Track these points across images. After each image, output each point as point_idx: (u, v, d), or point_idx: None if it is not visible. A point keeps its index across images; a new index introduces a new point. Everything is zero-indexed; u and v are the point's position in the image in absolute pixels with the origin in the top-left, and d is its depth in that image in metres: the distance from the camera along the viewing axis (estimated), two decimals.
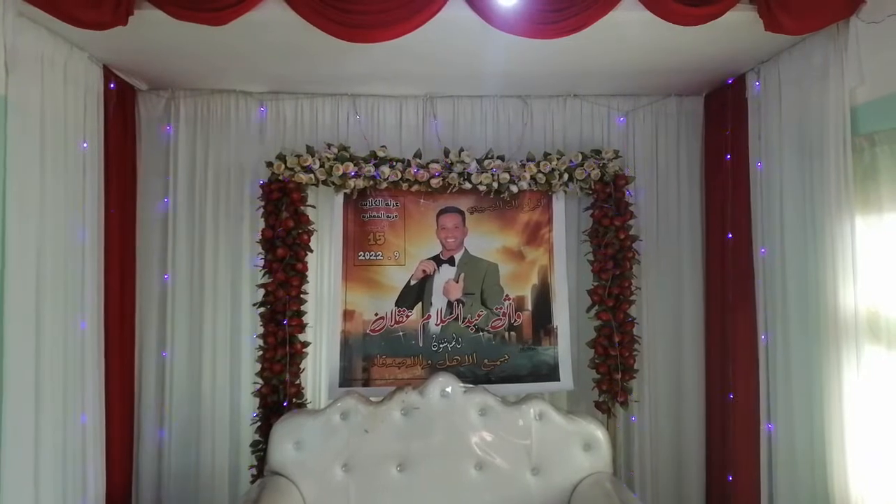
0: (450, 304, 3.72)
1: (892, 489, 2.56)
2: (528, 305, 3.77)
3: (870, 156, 2.66)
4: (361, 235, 3.71)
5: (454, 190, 3.66)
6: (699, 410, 3.91)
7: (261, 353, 3.51)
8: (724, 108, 3.65)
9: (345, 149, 3.62)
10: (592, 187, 3.72)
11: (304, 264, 3.55)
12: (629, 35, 2.95)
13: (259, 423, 3.49)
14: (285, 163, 3.51)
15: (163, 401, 3.74)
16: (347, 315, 3.66)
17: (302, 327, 3.55)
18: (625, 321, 3.66)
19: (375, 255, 3.71)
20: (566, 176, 3.70)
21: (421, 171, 3.59)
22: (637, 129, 3.97)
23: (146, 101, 3.79)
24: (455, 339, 3.70)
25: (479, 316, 3.73)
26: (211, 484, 3.70)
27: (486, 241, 3.77)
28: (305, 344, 3.57)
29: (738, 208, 3.50)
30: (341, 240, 3.69)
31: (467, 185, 3.64)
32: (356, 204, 3.71)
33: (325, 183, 3.60)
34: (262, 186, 3.56)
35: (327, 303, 3.79)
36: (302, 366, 3.56)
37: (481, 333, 3.72)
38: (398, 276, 3.71)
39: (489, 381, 3.61)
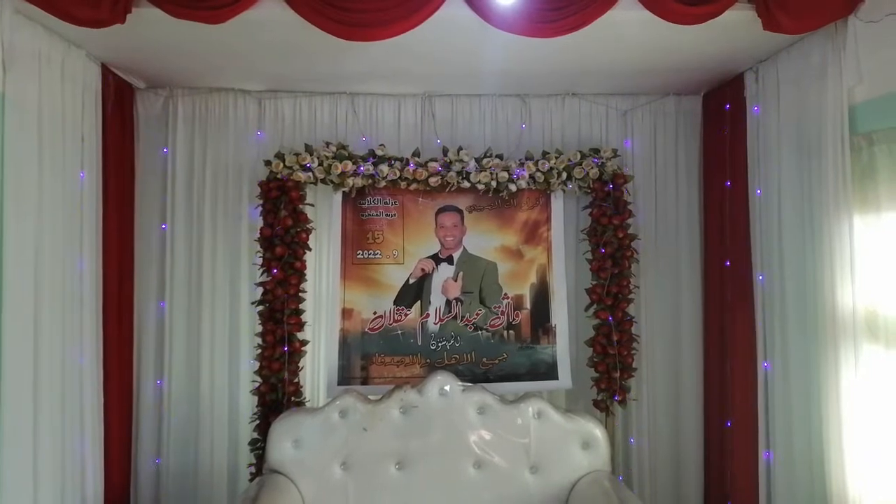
0: (448, 302, 3.72)
1: (889, 488, 2.56)
2: (527, 304, 3.77)
3: (868, 155, 2.66)
4: (360, 234, 3.70)
5: (453, 188, 3.66)
6: (697, 408, 3.91)
7: (259, 351, 3.51)
8: (722, 108, 3.65)
9: (343, 147, 3.62)
10: (591, 186, 3.72)
11: (303, 263, 3.54)
12: (628, 34, 2.95)
13: (258, 422, 3.49)
14: (284, 161, 3.50)
15: (161, 399, 3.74)
16: (346, 313, 3.66)
17: (300, 326, 3.54)
18: (623, 320, 3.66)
19: (374, 254, 3.71)
20: (565, 175, 3.70)
21: (419, 170, 3.59)
22: (636, 128, 3.97)
23: (144, 99, 3.79)
24: (454, 337, 3.70)
25: (477, 314, 3.73)
26: (210, 482, 3.70)
27: (485, 239, 3.77)
28: (304, 342, 3.56)
29: (736, 206, 3.50)
30: (340, 238, 3.69)
31: (466, 184, 3.64)
32: (355, 202, 3.70)
33: (323, 181, 3.59)
34: (260, 185, 3.56)
35: (326, 301, 3.79)
36: (300, 364, 3.56)
37: (480, 332, 3.72)
38: (397, 275, 3.71)
39: (488, 380, 3.61)
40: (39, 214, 2.76)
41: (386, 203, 3.73)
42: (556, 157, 3.69)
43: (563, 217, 3.82)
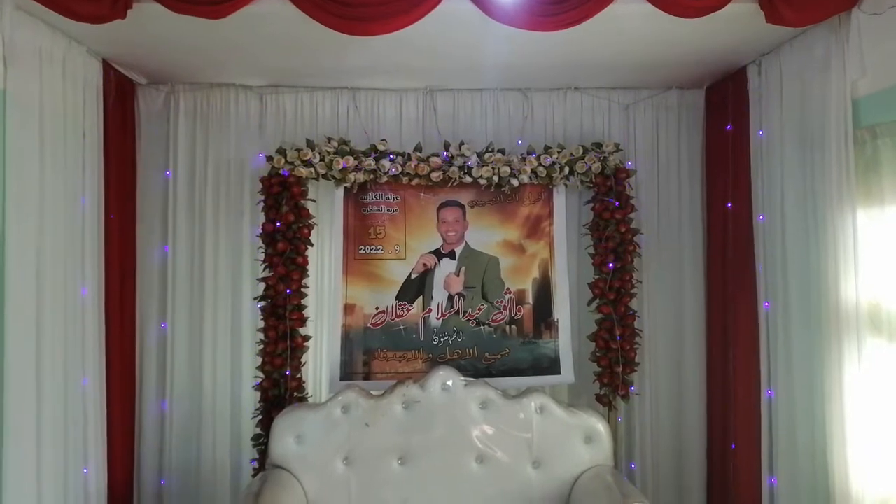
0: (450, 297, 3.72)
1: (892, 481, 2.56)
2: (529, 299, 3.77)
3: (871, 148, 2.65)
4: (362, 229, 3.70)
5: (454, 183, 3.66)
6: (700, 403, 3.91)
7: (262, 347, 3.52)
8: (725, 101, 3.64)
9: (345, 142, 3.62)
10: (593, 180, 3.71)
11: (305, 258, 3.55)
12: (630, 27, 2.94)
13: (260, 417, 3.50)
14: (285, 157, 3.50)
15: (164, 394, 3.74)
16: (348, 309, 3.66)
17: (303, 321, 3.54)
18: (626, 314, 3.66)
19: (376, 249, 3.71)
20: (567, 169, 3.69)
21: (421, 165, 3.59)
22: (638, 122, 3.95)
23: (145, 95, 3.78)
24: (456, 332, 3.70)
25: (479, 309, 3.72)
26: (212, 478, 3.70)
27: (487, 234, 3.77)
28: (306, 338, 3.57)
29: (739, 201, 3.49)
30: (342, 234, 3.69)
31: (468, 179, 3.63)
32: (356, 198, 3.70)
33: (325, 177, 3.59)
34: (262, 180, 3.55)
35: (328, 297, 3.79)
36: (303, 360, 3.57)
37: (482, 327, 3.72)
38: (399, 270, 3.71)
39: (490, 375, 3.61)
40: (41, 210, 2.76)
41: (388, 198, 3.73)
42: (559, 152, 3.69)
43: (566, 212, 3.81)
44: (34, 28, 2.72)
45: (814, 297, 2.90)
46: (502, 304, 3.74)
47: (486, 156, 3.65)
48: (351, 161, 3.54)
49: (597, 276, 3.70)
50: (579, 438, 3.19)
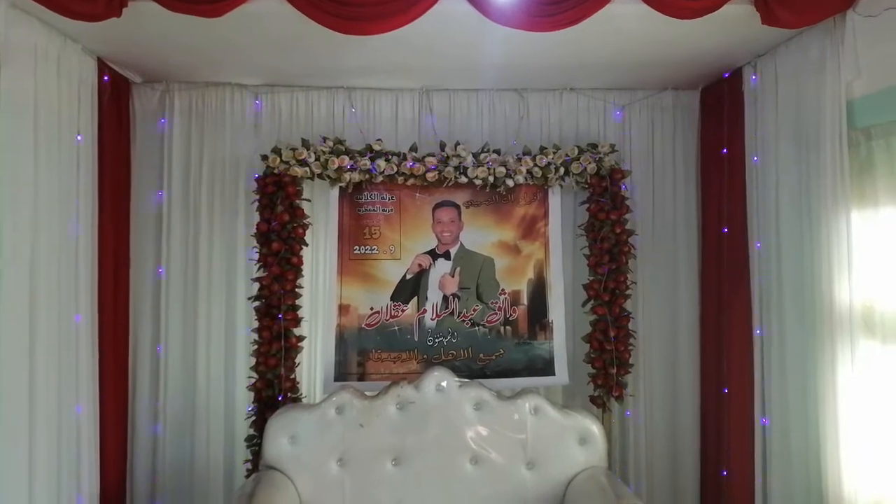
0: (445, 298, 3.72)
1: (885, 483, 2.57)
2: (524, 300, 3.77)
3: (866, 150, 2.66)
4: (357, 229, 3.70)
5: (450, 184, 3.65)
6: (694, 404, 3.91)
7: (255, 347, 3.50)
8: (720, 102, 3.64)
9: (340, 142, 3.61)
10: (588, 181, 3.72)
11: (300, 258, 3.53)
12: (626, 28, 2.94)
13: (254, 418, 3.48)
14: (280, 156, 3.49)
15: (157, 395, 3.72)
16: (343, 309, 3.65)
17: (297, 321, 3.53)
18: (620, 316, 3.66)
19: (371, 250, 3.70)
20: (562, 170, 3.69)
21: (417, 165, 3.59)
22: (633, 123, 3.96)
23: (141, 93, 3.77)
24: (450, 333, 3.70)
25: (474, 310, 3.72)
26: (206, 478, 3.69)
27: (482, 235, 3.76)
28: (300, 338, 3.56)
29: (733, 202, 3.50)
30: (337, 234, 3.68)
31: (463, 179, 3.63)
32: (352, 198, 3.70)
33: (320, 176, 3.59)
34: (257, 180, 3.55)
35: (322, 297, 3.78)
36: (297, 360, 3.55)
37: (477, 328, 3.72)
38: (394, 271, 3.70)
39: (484, 376, 3.61)
40: (35, 209, 2.74)
41: (383, 198, 3.72)
42: (554, 153, 3.69)
43: (561, 212, 3.82)
44: (29, 26, 2.71)
45: (808, 298, 2.91)
46: (497, 305, 3.74)
47: (482, 156, 3.65)
48: (346, 161, 3.53)
49: (591, 278, 3.70)
50: (573, 440, 3.18)
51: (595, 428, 3.21)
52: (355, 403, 3.18)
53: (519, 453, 3.16)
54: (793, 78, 3.04)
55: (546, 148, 3.73)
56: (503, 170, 3.62)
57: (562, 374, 3.73)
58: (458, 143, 3.66)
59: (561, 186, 3.79)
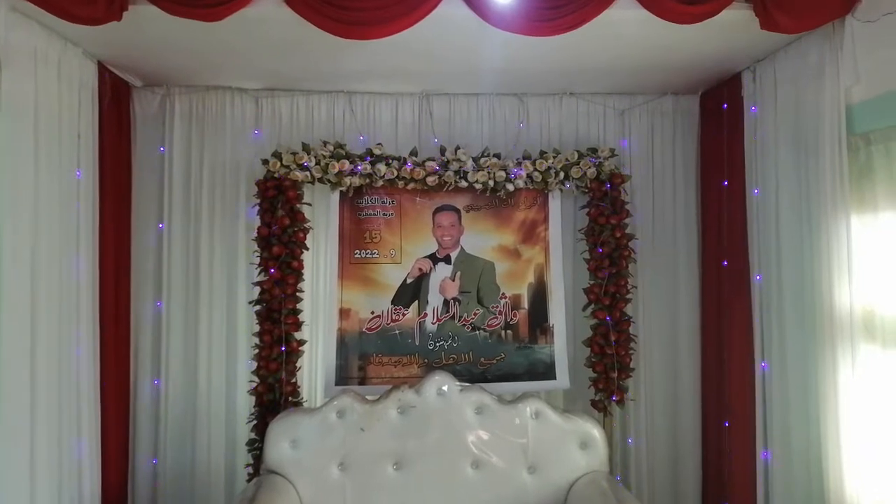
0: (446, 302, 3.72)
1: (886, 487, 2.56)
2: (525, 304, 3.77)
3: (865, 155, 2.66)
4: (357, 233, 3.70)
5: (450, 188, 3.66)
6: (695, 408, 3.91)
7: (257, 351, 3.50)
8: (719, 107, 3.65)
9: (341, 146, 3.61)
10: (588, 185, 3.72)
11: (300, 262, 3.53)
12: (625, 33, 2.95)
13: (255, 422, 3.48)
14: (281, 160, 3.50)
15: (158, 399, 3.72)
16: (343, 313, 3.65)
17: (298, 325, 3.53)
18: (621, 319, 3.66)
19: (371, 254, 3.70)
20: (562, 174, 3.70)
21: (417, 169, 3.59)
22: (633, 128, 3.97)
23: (141, 97, 3.77)
24: (451, 337, 3.69)
25: (475, 314, 3.72)
26: (207, 483, 3.68)
27: (483, 239, 3.77)
28: (301, 342, 3.56)
29: (733, 206, 3.50)
30: (337, 238, 3.68)
31: (463, 183, 3.64)
32: (352, 202, 3.70)
33: (320, 181, 3.59)
34: (257, 184, 3.55)
35: (323, 301, 3.78)
36: (298, 364, 3.55)
37: (478, 332, 3.71)
38: (394, 275, 3.70)
39: (485, 380, 3.60)
40: (36, 213, 2.74)
41: (383, 202, 3.72)
42: (554, 157, 3.69)
43: (561, 216, 3.82)
44: (29, 29, 2.71)
45: (808, 302, 2.91)
46: (498, 309, 3.74)
47: (482, 160, 3.65)
48: (347, 165, 3.53)
49: (592, 282, 3.70)
50: (575, 444, 3.18)
51: (596, 432, 3.21)
52: (356, 407, 3.17)
53: (520, 458, 3.16)
54: (792, 83, 3.05)
55: (546, 152, 3.73)
56: (503, 174, 3.63)
57: (563, 378, 3.73)
58: (458, 148, 3.67)
59: (561, 191, 3.80)
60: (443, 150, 3.67)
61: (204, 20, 2.62)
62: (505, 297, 3.75)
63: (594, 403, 3.70)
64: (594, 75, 3.63)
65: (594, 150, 3.73)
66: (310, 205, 3.68)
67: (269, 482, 2.97)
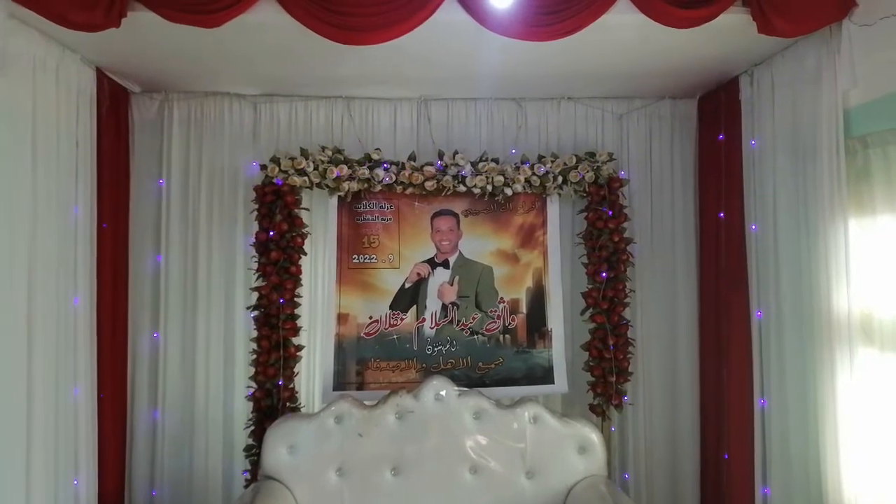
0: (444, 307, 3.71)
1: (885, 490, 2.56)
2: (523, 308, 3.77)
3: (863, 158, 2.67)
4: (355, 238, 3.70)
5: (448, 192, 3.66)
6: (693, 413, 3.91)
7: (254, 356, 3.50)
8: (717, 111, 3.66)
9: (339, 151, 3.62)
10: (587, 190, 3.73)
11: (298, 267, 3.53)
12: (623, 37, 2.96)
13: (253, 427, 3.47)
14: (279, 165, 3.50)
15: (156, 403, 3.71)
16: (341, 318, 3.65)
17: (296, 331, 3.53)
18: (619, 324, 3.66)
19: (370, 258, 3.70)
20: (560, 178, 3.70)
21: (415, 174, 3.59)
22: (631, 132, 3.97)
23: (139, 103, 3.77)
24: (449, 342, 3.69)
25: (473, 319, 3.72)
26: (204, 488, 3.67)
27: (481, 243, 3.77)
28: (299, 347, 3.55)
29: (731, 211, 3.50)
30: (335, 243, 3.68)
31: (462, 188, 3.64)
32: (350, 207, 3.70)
33: (319, 186, 3.59)
34: (255, 189, 3.55)
35: (321, 306, 3.78)
36: (296, 369, 3.55)
37: (476, 336, 3.71)
38: (392, 280, 3.70)
39: (483, 385, 3.60)
40: (34, 218, 2.74)
41: (382, 207, 3.72)
42: (552, 161, 3.70)
43: (559, 221, 3.83)
44: (28, 36, 2.71)
45: (806, 306, 2.91)
46: (496, 314, 3.74)
47: (480, 165, 3.66)
48: (345, 170, 3.54)
49: (590, 286, 3.70)
50: (573, 448, 3.18)
51: (594, 436, 3.21)
52: (354, 413, 3.17)
53: (518, 462, 3.16)
54: (789, 87, 3.05)
55: (544, 157, 3.73)
56: (501, 178, 3.63)
57: (561, 382, 3.73)
58: (456, 152, 3.67)
59: (559, 195, 3.80)
60: (441, 155, 3.68)
61: (203, 26, 2.62)
62: (503, 302, 3.75)
63: (592, 408, 3.69)
64: (592, 80, 3.64)
65: (592, 155, 3.74)
66: (308, 210, 3.68)
67: (266, 488, 2.96)
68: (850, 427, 2.66)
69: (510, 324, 3.74)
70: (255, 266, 3.51)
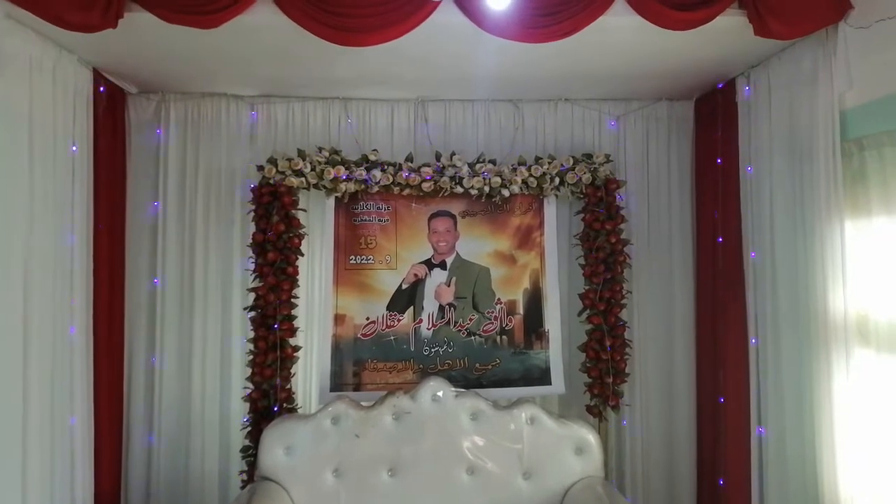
0: (441, 308, 3.72)
1: (881, 491, 2.57)
2: (520, 309, 3.77)
3: (858, 160, 2.68)
4: (353, 239, 3.70)
5: (446, 194, 3.66)
6: (690, 414, 3.91)
7: (251, 357, 3.49)
8: (714, 113, 3.66)
9: (336, 152, 3.62)
10: (584, 191, 3.73)
11: (295, 268, 3.53)
12: (620, 39, 2.96)
13: (249, 428, 3.47)
14: (276, 166, 3.50)
15: (152, 405, 3.71)
16: (338, 319, 3.65)
17: (293, 332, 3.53)
18: (616, 325, 3.67)
19: (367, 259, 3.70)
20: (557, 180, 3.70)
21: (412, 175, 3.59)
22: (628, 134, 3.98)
23: (136, 104, 3.77)
24: (446, 343, 3.69)
25: (470, 320, 3.72)
26: (200, 489, 3.67)
27: (478, 244, 3.77)
28: (296, 348, 3.55)
29: (728, 212, 3.51)
30: (332, 244, 3.68)
31: (459, 189, 3.64)
32: (347, 208, 3.70)
33: (316, 187, 3.59)
34: (252, 190, 3.55)
35: (318, 307, 3.78)
36: (292, 370, 3.55)
37: (473, 337, 3.71)
38: (390, 280, 3.70)
39: (481, 386, 3.60)
40: (30, 218, 2.74)
41: (379, 208, 3.73)
42: (549, 163, 3.70)
43: (556, 222, 3.83)
44: (24, 37, 2.71)
45: (802, 307, 2.91)
46: (493, 315, 3.74)
47: (478, 166, 3.66)
48: (342, 171, 3.54)
49: (587, 287, 3.71)
50: (570, 449, 3.18)
51: (591, 437, 3.21)
52: (351, 414, 3.17)
53: (515, 463, 3.16)
54: (786, 89, 3.06)
55: (541, 158, 3.74)
56: (499, 180, 3.63)
57: (558, 383, 3.73)
58: (453, 154, 3.68)
59: (556, 196, 3.80)
60: (438, 156, 3.68)
61: (200, 27, 2.62)
62: (500, 303, 3.75)
63: (589, 409, 3.70)
64: (589, 81, 3.64)
65: (589, 156, 3.74)
66: (305, 211, 3.68)
67: (263, 489, 2.96)
68: (846, 427, 2.66)
69: (507, 325, 3.74)
70: (252, 267, 3.51)
